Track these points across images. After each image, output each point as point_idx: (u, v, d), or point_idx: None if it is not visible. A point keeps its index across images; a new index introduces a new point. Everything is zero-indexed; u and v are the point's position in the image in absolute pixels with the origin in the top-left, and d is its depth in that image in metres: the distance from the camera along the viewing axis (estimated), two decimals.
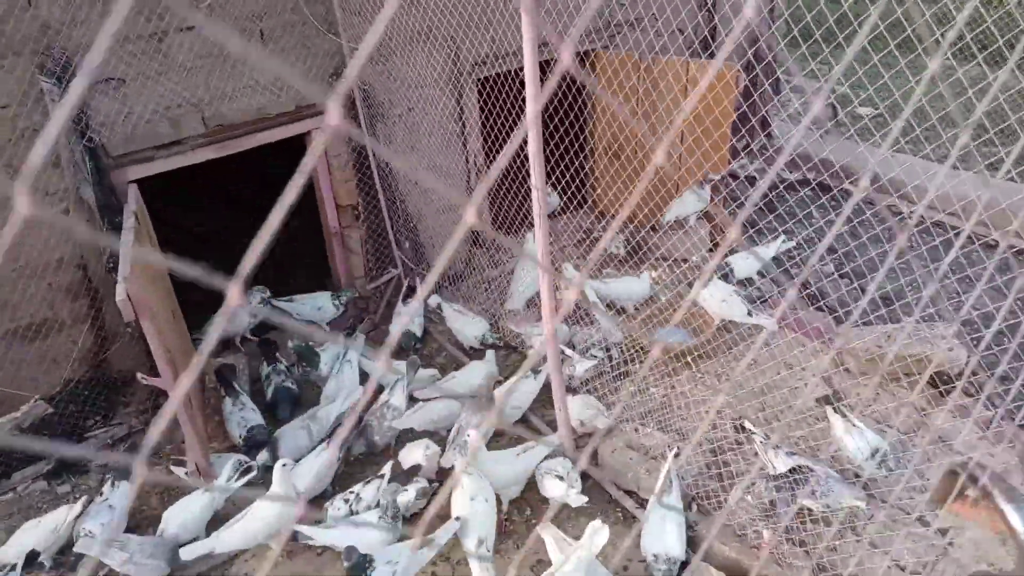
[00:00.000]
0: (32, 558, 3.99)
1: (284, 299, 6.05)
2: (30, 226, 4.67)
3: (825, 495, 3.57)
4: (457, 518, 3.81)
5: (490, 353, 5.38)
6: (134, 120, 4.82)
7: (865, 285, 4.32)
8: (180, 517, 4.17)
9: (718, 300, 5.24)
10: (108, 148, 4.78)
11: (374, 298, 6.52)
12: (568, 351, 5.20)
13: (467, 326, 5.81)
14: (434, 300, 6.10)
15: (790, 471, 3.75)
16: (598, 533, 3.52)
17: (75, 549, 3.89)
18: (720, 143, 5.76)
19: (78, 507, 4.36)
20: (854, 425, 3.99)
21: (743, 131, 5.07)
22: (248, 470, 4.48)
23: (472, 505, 3.81)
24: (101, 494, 4.47)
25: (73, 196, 4.71)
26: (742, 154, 6.51)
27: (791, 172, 5.74)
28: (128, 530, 4.42)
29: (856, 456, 3.91)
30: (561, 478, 4.01)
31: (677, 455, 4.07)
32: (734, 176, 6.71)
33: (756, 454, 4.04)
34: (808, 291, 5.49)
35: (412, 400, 5.03)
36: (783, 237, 5.71)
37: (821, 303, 4.80)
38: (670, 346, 5.21)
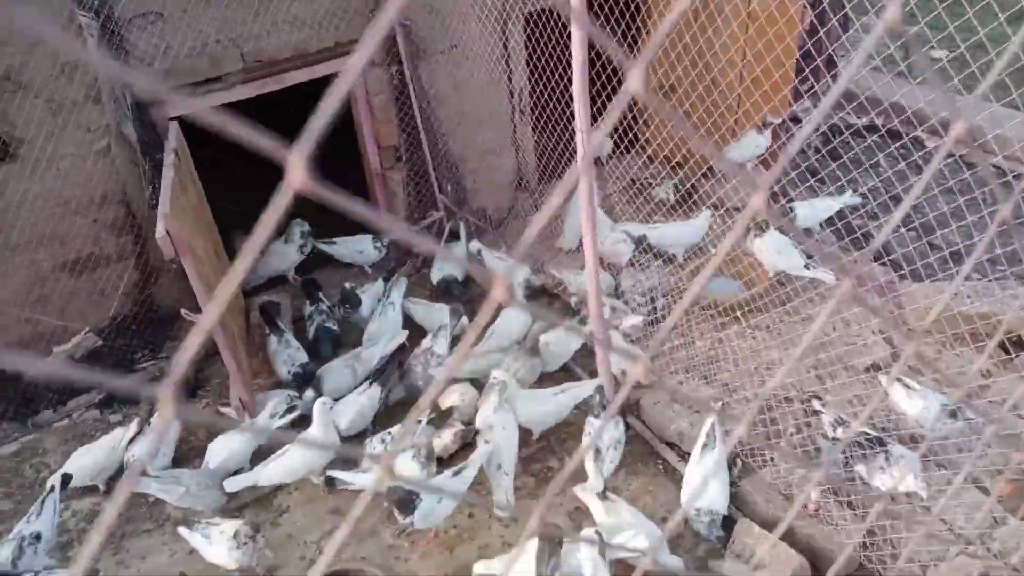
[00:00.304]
0: (66, 482, 4.10)
1: (325, 241, 6.02)
2: (73, 162, 4.68)
3: (890, 475, 3.39)
4: (487, 441, 3.99)
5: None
6: (172, 56, 4.73)
7: (935, 241, 4.04)
8: (224, 451, 4.25)
9: (773, 251, 5.01)
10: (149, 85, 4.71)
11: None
12: (617, 304, 5.05)
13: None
14: (475, 246, 5.99)
15: (859, 442, 3.57)
16: None
17: (136, 488, 4.01)
18: (782, 84, 5.42)
19: (133, 428, 4.50)
20: (914, 388, 3.79)
21: (807, 71, 4.73)
22: (291, 409, 4.52)
23: (491, 432, 4.04)
24: (148, 423, 4.59)
25: (115, 132, 4.68)
26: (804, 96, 6.14)
27: (858, 117, 5.38)
28: (175, 462, 4.54)
29: (923, 418, 3.73)
30: (598, 450, 3.92)
31: (723, 409, 3.94)
32: (796, 120, 6.36)
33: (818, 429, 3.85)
34: (871, 245, 5.22)
35: (454, 346, 4.98)
36: (851, 191, 5.40)
37: (885, 259, 4.53)
38: (720, 298, 5.02)
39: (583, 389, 4.38)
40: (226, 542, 3.60)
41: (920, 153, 3.71)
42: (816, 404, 3.88)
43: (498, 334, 5.03)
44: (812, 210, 5.42)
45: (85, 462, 4.31)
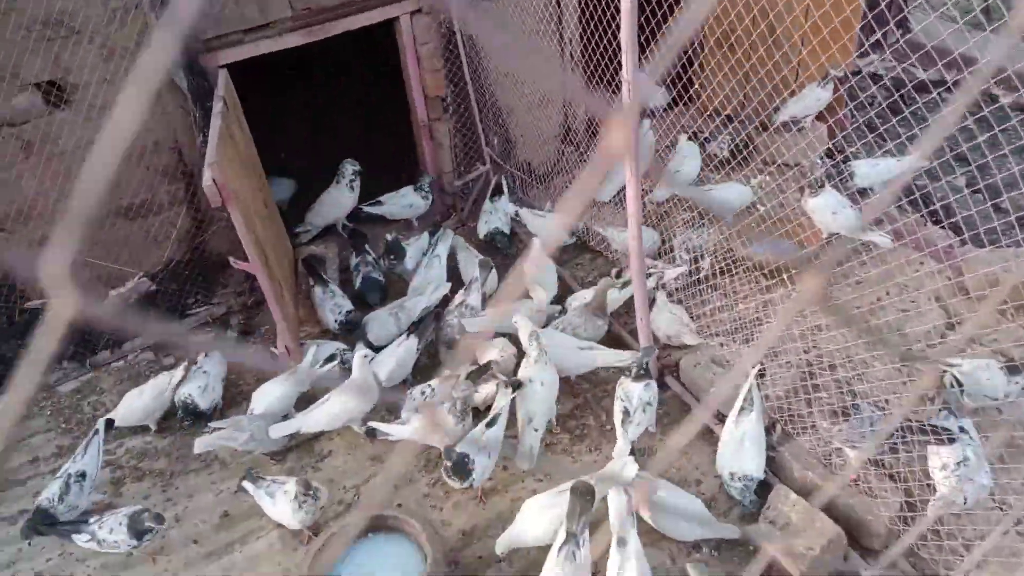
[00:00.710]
0: (109, 426, 4.26)
1: (371, 203, 6.02)
2: (124, 108, 4.74)
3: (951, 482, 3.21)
4: (512, 384, 4.05)
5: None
6: (221, 1, 4.72)
7: (1002, 204, 3.79)
8: (266, 399, 4.36)
9: (828, 211, 4.80)
10: (197, 31, 4.73)
11: (461, 194, 6.40)
12: (657, 263, 4.96)
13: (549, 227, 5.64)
14: (511, 208, 5.93)
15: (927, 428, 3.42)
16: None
17: (196, 449, 4.16)
18: (843, 34, 5.11)
19: (179, 373, 4.64)
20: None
21: (870, 19, 4.44)
22: (332, 358, 4.60)
23: (530, 385, 4.03)
24: (196, 363, 4.76)
25: (165, 80, 4.72)
26: (867, 46, 5.81)
27: (925, 69, 5.07)
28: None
29: (995, 391, 3.57)
30: (627, 412, 3.87)
31: (761, 373, 3.85)
32: (859, 73, 6.03)
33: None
34: (930, 207, 4.96)
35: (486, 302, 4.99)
36: (918, 153, 5.09)
37: (944, 222, 4.29)
38: (769, 259, 4.86)
39: (613, 354, 4.34)
40: (290, 503, 3.62)
41: (990, 108, 3.46)
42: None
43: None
44: (873, 169, 5.16)
45: (136, 404, 4.48)
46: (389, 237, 5.63)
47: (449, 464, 3.73)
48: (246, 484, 3.84)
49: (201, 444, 4.14)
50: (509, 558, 3.65)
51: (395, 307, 5.08)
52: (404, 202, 6.04)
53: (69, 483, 3.82)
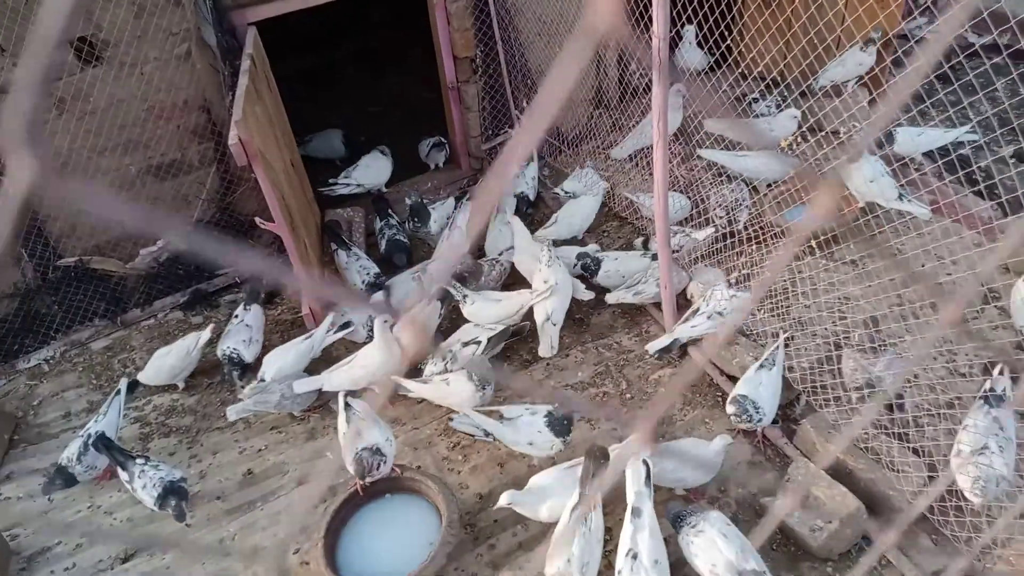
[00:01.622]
0: (132, 387, 4.36)
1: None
2: (156, 66, 4.76)
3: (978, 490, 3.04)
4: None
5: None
6: None
7: None
8: (277, 364, 4.37)
9: (865, 179, 4.64)
10: None
11: (489, 159, 6.33)
12: (684, 228, 4.87)
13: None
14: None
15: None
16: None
17: (230, 417, 4.25)
18: None
19: (206, 334, 4.71)
20: None
21: None
22: (346, 325, 4.62)
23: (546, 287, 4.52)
24: (236, 316, 4.81)
25: (195, 37, 4.72)
26: (915, 13, 5.55)
27: (979, 35, 4.82)
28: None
29: None
30: None
31: (788, 343, 3.76)
32: (904, 37, 5.77)
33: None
34: (967, 171, 4.76)
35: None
36: (969, 125, 4.89)
37: (980, 187, 4.10)
38: (801, 226, 4.72)
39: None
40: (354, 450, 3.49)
41: None
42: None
43: (560, 221, 5.33)
44: (914, 138, 4.96)
45: (164, 362, 4.55)
46: (410, 200, 5.62)
47: (553, 421, 3.65)
48: (340, 399, 3.79)
49: (234, 412, 4.22)
50: (525, 523, 3.65)
51: (417, 270, 5.09)
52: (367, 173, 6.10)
53: (88, 443, 3.91)
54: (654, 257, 4.62)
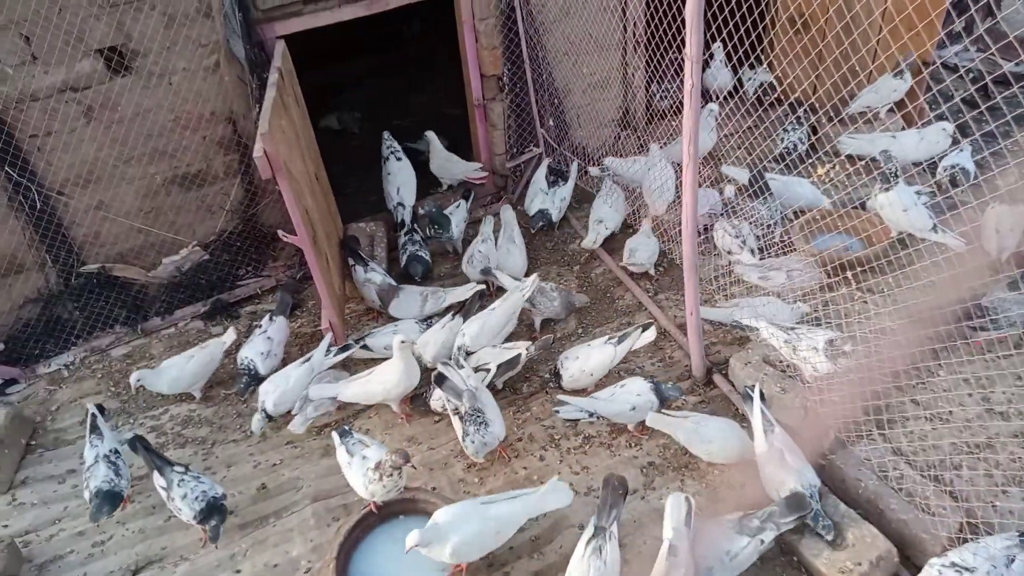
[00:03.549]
0: (101, 410, 4.14)
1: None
2: (184, 77, 4.78)
3: None
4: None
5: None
6: None
7: None
8: (277, 391, 4.30)
9: (900, 208, 4.54)
10: (257, 0, 4.72)
11: (513, 176, 6.28)
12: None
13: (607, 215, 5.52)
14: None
15: None
16: None
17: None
18: (928, 9, 4.76)
19: (231, 334, 4.74)
20: None
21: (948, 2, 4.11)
22: (346, 347, 4.56)
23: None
24: (260, 326, 4.81)
25: (224, 49, 4.73)
26: (964, 38, 5.44)
27: (1011, 60, 4.70)
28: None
29: None
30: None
31: (762, 395, 3.65)
32: (944, 64, 5.68)
33: None
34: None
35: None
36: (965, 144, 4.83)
37: None
38: (832, 255, 4.62)
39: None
40: (364, 473, 3.46)
41: None
42: None
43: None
44: (918, 144, 4.90)
45: (185, 369, 4.54)
46: (423, 211, 5.66)
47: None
48: (333, 434, 3.77)
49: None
50: (540, 550, 3.57)
51: (428, 291, 5.06)
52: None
53: (111, 460, 3.86)
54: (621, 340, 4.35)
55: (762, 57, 5.99)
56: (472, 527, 3.17)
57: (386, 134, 6.17)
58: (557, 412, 4.00)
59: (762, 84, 6.08)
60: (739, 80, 6.24)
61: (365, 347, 4.68)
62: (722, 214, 5.11)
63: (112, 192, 4.95)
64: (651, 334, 4.25)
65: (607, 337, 4.33)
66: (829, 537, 3.16)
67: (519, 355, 4.32)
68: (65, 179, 4.78)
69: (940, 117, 5.14)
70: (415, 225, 5.69)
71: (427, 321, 4.88)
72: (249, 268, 5.69)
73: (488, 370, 4.22)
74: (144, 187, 5.04)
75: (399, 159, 6.01)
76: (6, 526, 4.04)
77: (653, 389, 3.92)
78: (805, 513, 3.16)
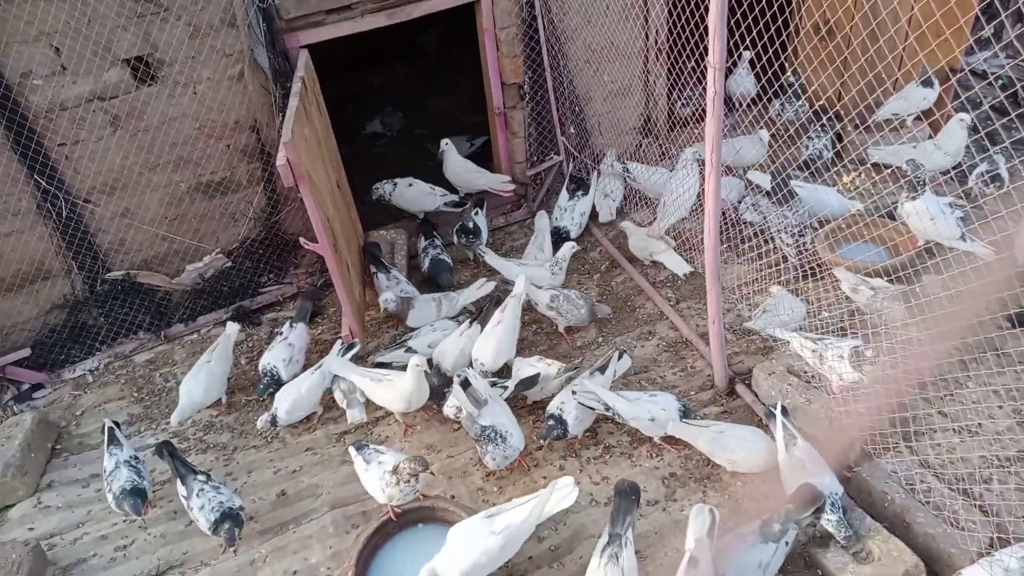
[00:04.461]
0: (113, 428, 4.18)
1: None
2: (209, 86, 4.83)
3: None
4: None
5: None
6: None
7: None
8: (289, 399, 4.31)
9: (927, 216, 4.46)
10: (280, 10, 4.76)
11: (533, 185, 6.28)
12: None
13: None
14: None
15: None
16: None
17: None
18: (958, 15, 4.69)
19: (233, 327, 4.81)
20: None
21: (977, 9, 4.04)
22: (352, 347, 4.55)
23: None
24: (281, 333, 4.85)
25: (248, 59, 4.78)
26: (994, 45, 5.36)
27: None
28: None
29: None
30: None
31: (784, 410, 3.59)
32: (972, 72, 5.60)
33: None
34: None
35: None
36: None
37: None
38: (857, 264, 4.56)
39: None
40: (381, 475, 3.52)
41: None
42: None
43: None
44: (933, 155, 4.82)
45: (213, 375, 4.55)
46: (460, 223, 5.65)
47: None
48: (350, 449, 3.80)
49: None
50: (560, 560, 3.54)
51: (440, 295, 5.06)
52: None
53: (132, 464, 3.90)
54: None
55: (785, 65, 5.95)
56: (472, 555, 3.13)
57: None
58: (574, 394, 3.95)
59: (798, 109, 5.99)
60: (771, 99, 6.16)
61: (409, 350, 4.64)
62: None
63: (137, 200, 5.02)
64: (627, 361, 4.32)
65: (589, 371, 4.24)
66: (843, 533, 3.13)
67: (538, 374, 4.21)
68: (92, 187, 4.85)
69: (972, 130, 5.06)
70: (436, 231, 5.70)
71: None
72: (271, 275, 5.73)
73: (506, 387, 4.19)
74: (168, 195, 5.10)
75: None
76: (32, 529, 4.09)
77: (681, 410, 3.87)
78: (819, 505, 3.12)
